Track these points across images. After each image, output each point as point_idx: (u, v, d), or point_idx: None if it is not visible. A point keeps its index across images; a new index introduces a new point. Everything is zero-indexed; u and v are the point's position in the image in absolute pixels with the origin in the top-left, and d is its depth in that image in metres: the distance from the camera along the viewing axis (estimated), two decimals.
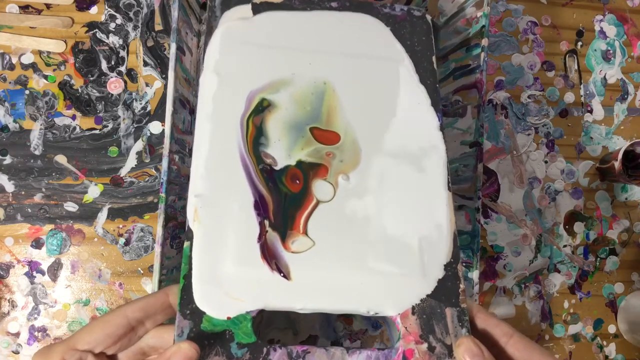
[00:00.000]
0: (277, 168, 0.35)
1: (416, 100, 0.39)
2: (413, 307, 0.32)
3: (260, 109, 0.37)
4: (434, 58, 0.41)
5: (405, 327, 0.31)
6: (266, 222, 0.33)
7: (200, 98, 0.36)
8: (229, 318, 0.30)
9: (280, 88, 0.38)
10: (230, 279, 0.31)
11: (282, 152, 0.36)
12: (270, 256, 0.32)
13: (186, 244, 0.31)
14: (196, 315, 0.29)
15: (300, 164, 0.35)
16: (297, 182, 0.35)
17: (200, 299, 0.30)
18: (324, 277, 0.32)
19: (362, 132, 0.37)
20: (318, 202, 0.34)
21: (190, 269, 0.31)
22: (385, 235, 0.34)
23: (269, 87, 0.38)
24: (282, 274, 0.32)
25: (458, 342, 0.30)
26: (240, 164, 0.35)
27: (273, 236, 0.33)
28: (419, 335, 0.31)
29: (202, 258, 0.31)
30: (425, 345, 0.31)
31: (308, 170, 0.35)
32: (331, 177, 0.35)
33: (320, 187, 0.35)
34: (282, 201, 0.34)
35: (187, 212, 0.33)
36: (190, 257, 0.31)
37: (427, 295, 0.32)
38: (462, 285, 0.33)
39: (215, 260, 0.32)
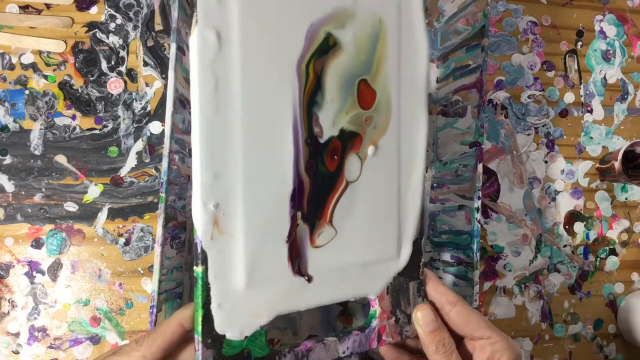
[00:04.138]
0: (321, 141, 0.31)
1: (420, 54, 0.34)
2: (387, 287, 0.34)
3: (325, 49, 0.30)
4: None
5: (381, 307, 0.34)
6: (299, 214, 0.31)
7: (201, 55, 0.27)
8: (246, 337, 0.30)
9: (345, 21, 0.30)
10: (251, 297, 0.30)
11: (329, 117, 0.31)
12: (296, 256, 0.31)
13: (199, 268, 0.28)
14: (217, 342, 0.29)
15: (342, 134, 0.31)
16: (335, 157, 0.31)
17: (221, 325, 0.29)
18: (335, 271, 0.33)
19: (394, 90, 0.33)
20: (347, 184, 0.32)
21: (207, 296, 0.28)
22: (381, 216, 0.34)
23: (334, 19, 0.30)
24: (305, 277, 0.31)
25: (416, 308, 0.34)
26: (291, 135, 0.30)
27: (303, 230, 0.31)
28: (390, 312, 0.34)
29: (221, 284, 0.29)
30: (393, 319, 0.34)
31: (347, 142, 0.32)
32: (362, 149, 0.32)
33: (351, 164, 0.32)
34: (318, 186, 0.31)
35: (199, 228, 0.28)
36: (207, 284, 0.28)
37: (398, 274, 0.34)
38: (422, 259, 0.35)
39: (236, 281, 0.29)
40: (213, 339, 0.28)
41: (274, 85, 0.29)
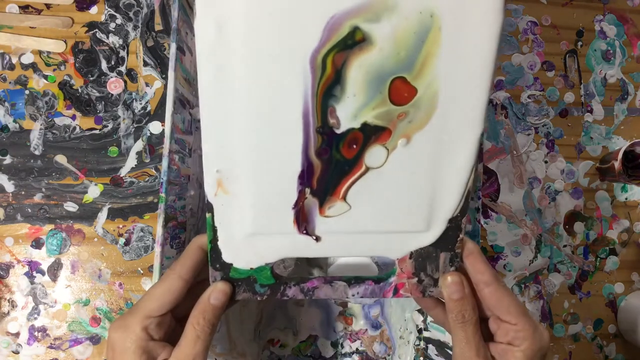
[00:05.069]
0: (337, 132, 0.30)
1: (487, 48, 0.30)
2: (411, 253, 0.34)
3: (350, 43, 0.28)
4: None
5: (401, 268, 0.34)
6: (307, 190, 0.32)
7: (202, 41, 0.28)
8: (252, 268, 0.34)
9: (381, 14, 0.28)
10: (256, 242, 0.33)
11: (350, 111, 0.29)
12: (302, 220, 0.33)
13: (208, 215, 0.33)
14: (225, 266, 0.34)
15: (364, 127, 0.30)
16: (354, 146, 0.31)
17: (228, 257, 0.33)
18: (347, 235, 0.33)
19: (443, 87, 0.30)
20: (367, 169, 0.31)
21: (215, 235, 0.33)
22: (407, 197, 0.33)
23: (365, 11, 0.27)
24: (312, 237, 0.33)
25: (447, 273, 0.34)
26: (301, 122, 0.30)
27: (311, 202, 0.32)
28: (412, 273, 0.35)
29: (226, 229, 0.33)
30: (415, 279, 0.35)
31: (370, 135, 0.30)
32: (391, 142, 0.31)
33: (373, 153, 0.31)
34: (331, 169, 0.31)
35: (205, 185, 0.32)
36: (214, 227, 0.33)
37: (427, 245, 0.34)
38: (461, 235, 0.34)
39: (242, 226, 0.33)
40: (221, 265, 0.34)
41: (281, 76, 0.29)
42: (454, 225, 0.34)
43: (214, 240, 0.33)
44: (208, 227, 0.33)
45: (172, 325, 0.34)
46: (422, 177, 0.32)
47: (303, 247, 0.34)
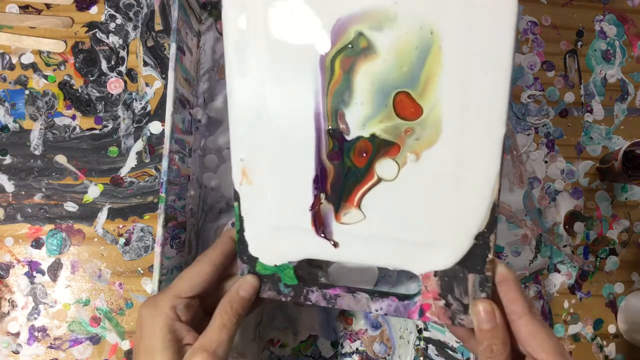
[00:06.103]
0: (348, 138, 0.31)
1: (499, 83, 0.29)
2: (436, 272, 0.33)
3: (356, 49, 0.29)
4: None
5: (426, 287, 0.33)
6: (322, 195, 0.33)
7: (229, 34, 0.30)
8: (275, 265, 0.35)
9: (383, 24, 0.28)
10: (278, 237, 0.34)
11: (358, 119, 0.30)
12: (319, 224, 0.33)
13: (235, 203, 0.34)
14: (252, 260, 0.35)
15: (373, 138, 0.31)
16: (364, 155, 0.31)
17: (254, 250, 0.35)
18: (366, 242, 0.34)
19: (451, 112, 0.30)
20: (380, 180, 0.32)
21: (242, 225, 0.34)
22: (430, 210, 0.32)
23: (368, 18, 0.28)
24: (330, 242, 0.34)
25: (478, 300, 0.32)
26: (313, 123, 0.31)
27: (327, 207, 0.33)
28: (438, 294, 0.33)
29: (251, 220, 0.34)
30: (442, 301, 0.33)
31: (380, 147, 0.31)
32: (400, 156, 0.31)
33: (384, 166, 0.31)
34: (344, 175, 0.32)
35: (232, 173, 0.33)
36: (240, 216, 0.34)
37: (453, 263, 0.33)
38: (490, 256, 0.32)
39: (266, 219, 0.34)
40: (248, 258, 0.35)
41: (296, 73, 0.30)
42: (481, 242, 0.32)
43: (241, 230, 0.35)
44: (235, 216, 0.34)
45: (199, 314, 0.35)
46: (439, 191, 0.31)
47: (323, 250, 0.34)
